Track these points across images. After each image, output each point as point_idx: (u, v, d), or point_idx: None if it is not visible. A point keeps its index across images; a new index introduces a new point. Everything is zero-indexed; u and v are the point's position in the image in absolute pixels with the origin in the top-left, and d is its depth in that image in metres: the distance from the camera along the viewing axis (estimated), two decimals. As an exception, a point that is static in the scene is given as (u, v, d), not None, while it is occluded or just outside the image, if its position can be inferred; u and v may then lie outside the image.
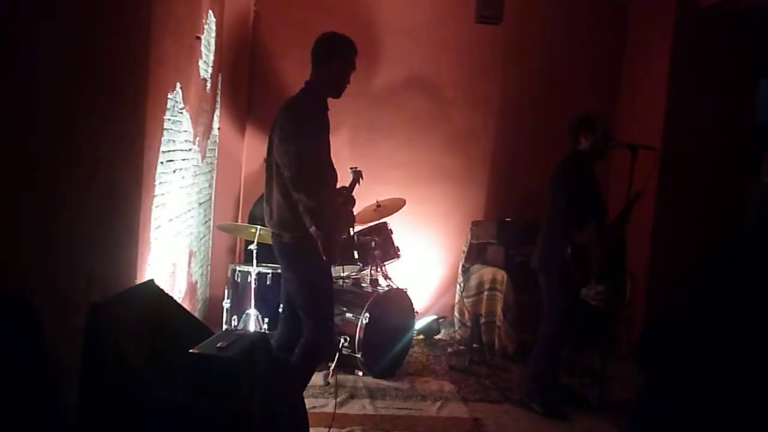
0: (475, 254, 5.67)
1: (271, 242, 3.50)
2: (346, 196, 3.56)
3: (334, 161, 3.46)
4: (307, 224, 3.19)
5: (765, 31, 5.24)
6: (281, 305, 3.70)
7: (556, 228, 4.00)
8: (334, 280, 4.83)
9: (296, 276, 3.37)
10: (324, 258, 3.23)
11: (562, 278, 3.95)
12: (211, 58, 4.86)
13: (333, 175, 3.46)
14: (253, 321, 4.58)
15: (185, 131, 4.07)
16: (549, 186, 4.06)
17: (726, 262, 4.05)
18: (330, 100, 3.43)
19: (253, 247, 4.57)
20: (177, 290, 4.06)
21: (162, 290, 3.06)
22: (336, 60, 3.35)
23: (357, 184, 3.77)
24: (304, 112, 3.27)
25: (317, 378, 4.30)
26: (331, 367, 4.38)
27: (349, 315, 4.54)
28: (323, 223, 3.19)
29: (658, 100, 5.37)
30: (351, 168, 3.85)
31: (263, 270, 4.67)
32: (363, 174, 3.87)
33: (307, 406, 3.26)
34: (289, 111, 3.29)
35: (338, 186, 3.57)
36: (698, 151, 5.22)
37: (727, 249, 4.18)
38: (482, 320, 5.23)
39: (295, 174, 3.17)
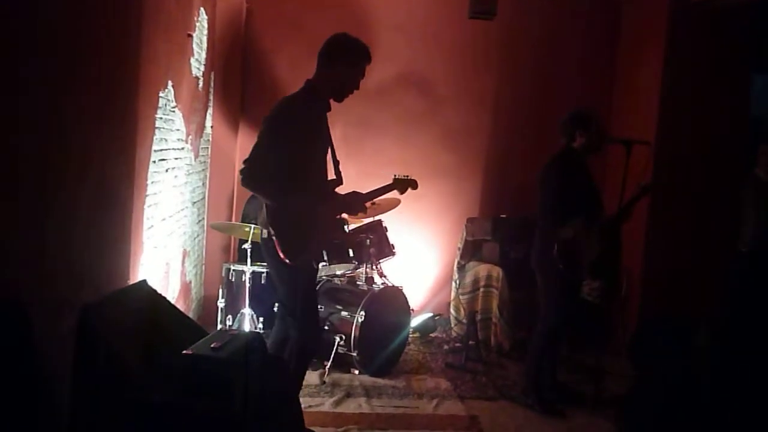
0: (470, 251, 5.66)
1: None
2: (338, 202, 3.41)
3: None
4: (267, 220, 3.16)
5: (757, 24, 5.24)
6: (276, 303, 3.66)
7: (546, 224, 3.99)
8: (329, 279, 4.84)
9: (275, 273, 3.33)
10: (283, 257, 3.13)
11: (555, 275, 3.94)
12: (203, 55, 4.83)
13: (336, 176, 3.40)
14: (248, 320, 4.56)
15: (177, 130, 4.04)
16: (539, 183, 4.04)
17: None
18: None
19: (247, 246, 4.54)
20: (171, 290, 4.03)
21: (155, 290, 3.04)
22: (338, 63, 3.24)
23: (399, 192, 3.70)
24: (280, 112, 3.19)
25: (313, 377, 4.28)
26: (327, 366, 4.36)
27: (344, 313, 4.53)
28: (281, 222, 3.13)
29: (652, 95, 5.37)
30: (395, 175, 3.79)
31: (258, 269, 4.64)
32: (416, 184, 3.76)
33: (302, 406, 3.25)
34: (276, 107, 3.23)
35: (350, 189, 3.47)
36: (693, 145, 5.22)
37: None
38: (478, 317, 5.22)
39: (244, 168, 3.11)
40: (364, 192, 3.49)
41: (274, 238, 3.12)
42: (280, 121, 3.16)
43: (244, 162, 3.13)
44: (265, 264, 4.60)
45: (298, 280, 3.28)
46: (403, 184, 3.77)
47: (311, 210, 3.25)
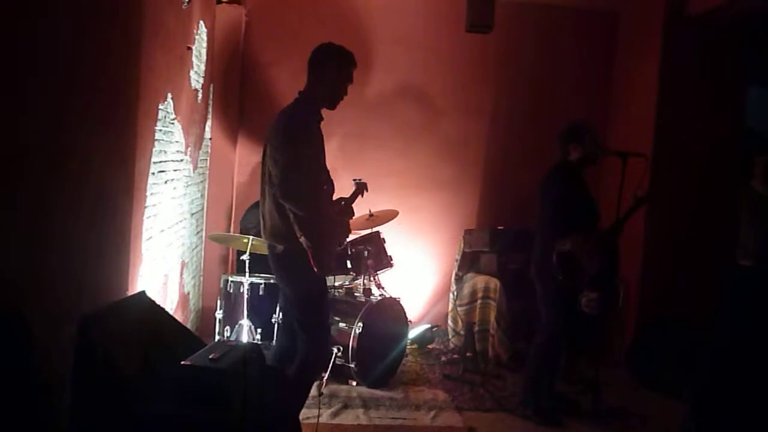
0: (468, 263, 5.67)
1: (265, 252, 3.48)
2: (343, 207, 3.50)
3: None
4: (297, 233, 3.18)
5: (753, 37, 5.29)
6: (279, 315, 3.66)
7: (545, 236, 4.01)
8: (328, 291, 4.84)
9: (290, 287, 3.34)
10: (315, 269, 3.19)
11: (554, 284, 3.95)
12: (203, 68, 4.85)
13: (328, 185, 3.44)
14: (246, 332, 4.56)
15: (177, 142, 4.05)
16: (538, 195, 4.08)
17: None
18: (325, 110, 3.42)
19: (245, 257, 4.55)
20: (169, 301, 4.04)
21: (153, 302, 3.04)
22: (328, 71, 3.31)
23: (360, 196, 3.75)
24: (293, 123, 3.24)
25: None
26: (325, 378, 4.36)
27: (342, 325, 4.53)
28: (313, 233, 3.17)
29: (648, 107, 5.40)
30: (354, 179, 3.82)
31: (256, 280, 4.65)
32: (367, 186, 3.84)
33: (300, 417, 3.25)
34: (280, 121, 3.27)
35: (337, 197, 3.53)
36: (689, 157, 5.25)
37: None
38: (476, 329, 5.22)
39: (281, 183, 3.13)
40: (346, 197, 3.59)
41: (309, 250, 3.15)
42: (291, 131, 3.20)
43: (276, 179, 3.15)
44: (263, 275, 4.61)
45: (317, 292, 3.33)
46: (360, 187, 3.82)
47: (332, 218, 3.33)
